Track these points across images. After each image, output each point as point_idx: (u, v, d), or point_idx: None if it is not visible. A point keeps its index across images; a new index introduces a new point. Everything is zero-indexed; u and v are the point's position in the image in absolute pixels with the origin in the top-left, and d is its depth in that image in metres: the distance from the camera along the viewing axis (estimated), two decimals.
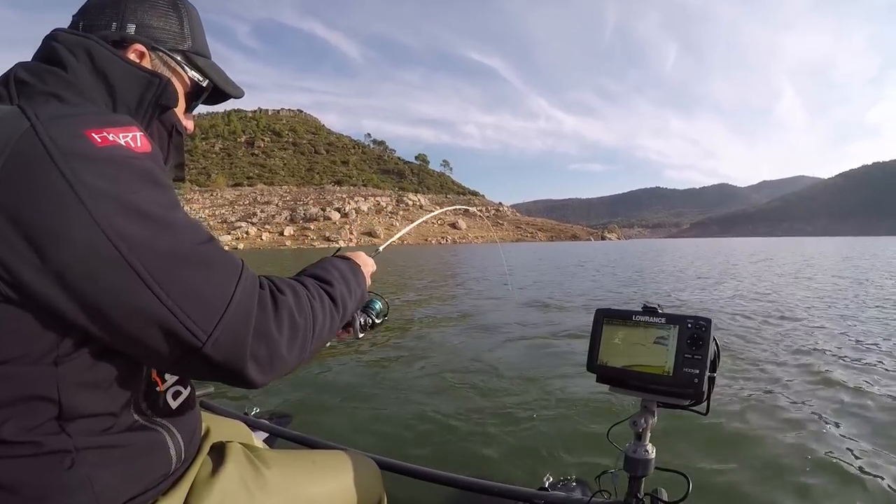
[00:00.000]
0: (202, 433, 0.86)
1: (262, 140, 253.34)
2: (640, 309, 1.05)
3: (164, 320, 0.53)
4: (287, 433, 1.88)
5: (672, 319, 1.01)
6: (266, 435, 1.86)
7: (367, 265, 0.93)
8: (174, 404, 0.73)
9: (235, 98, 0.90)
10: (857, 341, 4.93)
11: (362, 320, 1.07)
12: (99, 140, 0.54)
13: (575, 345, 4.98)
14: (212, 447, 0.84)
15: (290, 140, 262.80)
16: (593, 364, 1.08)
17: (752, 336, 5.23)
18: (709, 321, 0.97)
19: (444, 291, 10.82)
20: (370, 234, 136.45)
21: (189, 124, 0.84)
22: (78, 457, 0.57)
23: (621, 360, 1.05)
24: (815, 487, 2.08)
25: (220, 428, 0.94)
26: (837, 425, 2.75)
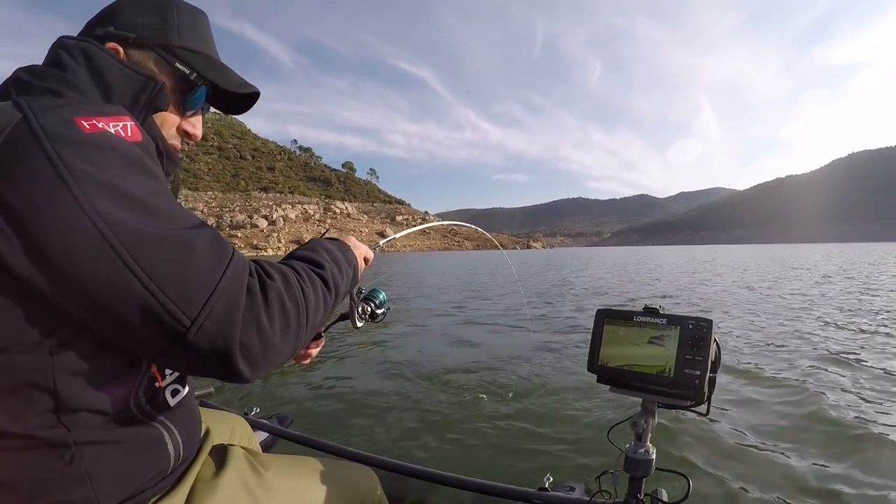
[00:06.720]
0: (202, 433, 0.84)
1: (186, 143, 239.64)
2: (641, 310, 1.08)
3: (145, 303, 0.52)
4: (287, 434, 1.86)
5: (673, 320, 1.03)
6: (266, 435, 1.83)
7: (359, 247, 0.91)
8: (172, 402, 0.72)
9: (242, 93, 0.84)
10: (854, 339, 5.15)
11: (361, 309, 1.03)
12: (88, 126, 0.55)
13: (575, 345, 5.07)
14: (213, 448, 0.83)
15: (215, 144, 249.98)
16: (594, 364, 1.09)
17: (751, 335, 5.47)
18: (710, 322, 1.00)
19: (441, 292, 10.75)
20: (298, 242, 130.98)
21: (195, 129, 0.82)
22: (77, 451, 0.57)
23: (622, 360, 1.06)
24: (816, 487, 2.11)
25: (220, 428, 0.92)
26: (838, 425, 2.80)
